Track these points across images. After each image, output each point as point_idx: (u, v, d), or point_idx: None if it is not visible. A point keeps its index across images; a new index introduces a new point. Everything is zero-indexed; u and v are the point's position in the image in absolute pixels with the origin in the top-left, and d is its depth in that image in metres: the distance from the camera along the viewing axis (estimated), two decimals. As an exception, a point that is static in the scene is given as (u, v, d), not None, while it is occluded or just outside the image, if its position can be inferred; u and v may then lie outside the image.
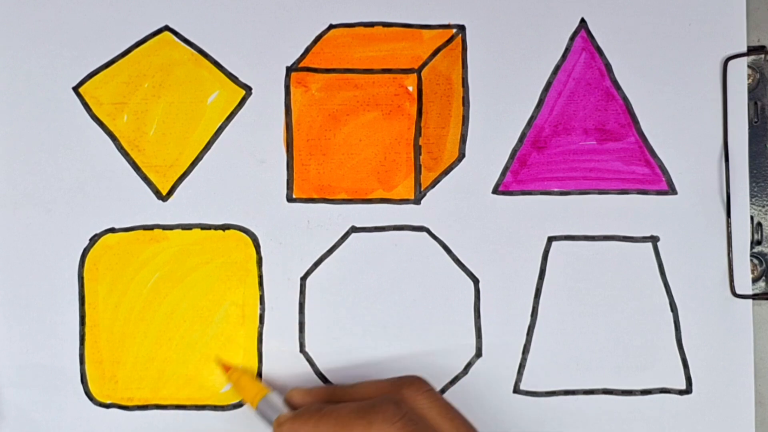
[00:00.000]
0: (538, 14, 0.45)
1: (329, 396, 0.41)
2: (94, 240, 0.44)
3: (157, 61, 0.45)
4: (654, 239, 0.45)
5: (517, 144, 0.45)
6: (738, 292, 0.44)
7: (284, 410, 0.41)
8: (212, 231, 0.45)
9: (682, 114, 0.45)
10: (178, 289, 0.44)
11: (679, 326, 0.45)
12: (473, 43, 0.45)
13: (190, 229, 0.45)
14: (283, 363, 0.44)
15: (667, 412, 0.44)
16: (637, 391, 0.44)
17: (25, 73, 0.45)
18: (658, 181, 0.45)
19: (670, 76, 0.45)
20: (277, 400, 0.42)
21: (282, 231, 0.45)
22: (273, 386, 0.44)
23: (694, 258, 0.45)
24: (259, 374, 0.44)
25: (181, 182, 0.45)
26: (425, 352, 0.44)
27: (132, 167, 0.45)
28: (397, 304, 0.44)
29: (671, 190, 0.45)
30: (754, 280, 0.45)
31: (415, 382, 0.40)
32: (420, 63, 0.45)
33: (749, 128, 0.45)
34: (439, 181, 0.45)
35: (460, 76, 0.45)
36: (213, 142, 0.45)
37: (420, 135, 0.45)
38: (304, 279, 0.45)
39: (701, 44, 0.45)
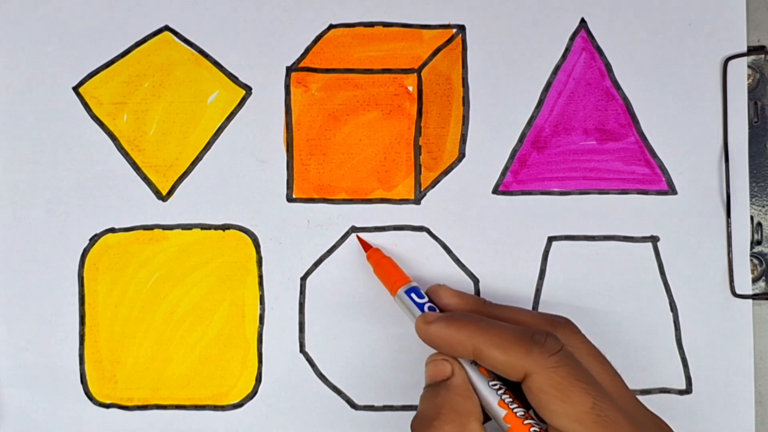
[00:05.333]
0: (538, 14, 0.45)
1: (478, 306, 0.40)
2: (94, 240, 0.44)
3: (157, 61, 0.45)
4: (654, 239, 0.45)
5: (517, 144, 0.45)
6: (738, 292, 0.44)
7: (421, 307, 0.39)
8: (212, 231, 0.45)
9: (682, 114, 0.45)
10: (178, 289, 0.44)
11: (679, 326, 0.45)
12: (473, 43, 0.45)
13: (190, 229, 0.45)
14: (283, 363, 0.44)
15: (667, 412, 0.44)
16: (637, 391, 0.44)
17: (25, 73, 0.45)
18: (658, 181, 0.45)
19: (670, 76, 0.45)
20: (419, 292, 0.40)
21: (282, 231, 0.45)
22: (274, 381, 0.44)
23: (694, 258, 0.45)
24: (259, 374, 0.44)
25: (181, 182, 0.45)
26: (425, 352, 0.44)
27: (132, 167, 0.45)
28: (397, 304, 0.44)
29: (671, 190, 0.45)
30: (754, 280, 0.45)
31: (567, 323, 0.39)
32: (420, 63, 0.45)
33: (749, 128, 0.45)
34: (439, 181, 0.45)
35: (460, 76, 0.45)
36: (213, 142, 0.45)
37: (420, 135, 0.45)
38: (304, 279, 0.45)
39: (701, 44, 0.45)
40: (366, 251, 0.43)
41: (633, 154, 0.45)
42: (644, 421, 0.36)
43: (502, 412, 0.36)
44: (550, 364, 0.35)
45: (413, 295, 0.40)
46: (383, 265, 0.42)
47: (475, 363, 0.37)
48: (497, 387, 0.36)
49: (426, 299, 0.40)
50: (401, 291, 0.40)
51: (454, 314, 0.38)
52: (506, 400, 0.36)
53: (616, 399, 0.35)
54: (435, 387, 0.37)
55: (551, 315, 0.39)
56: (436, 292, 0.40)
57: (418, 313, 0.39)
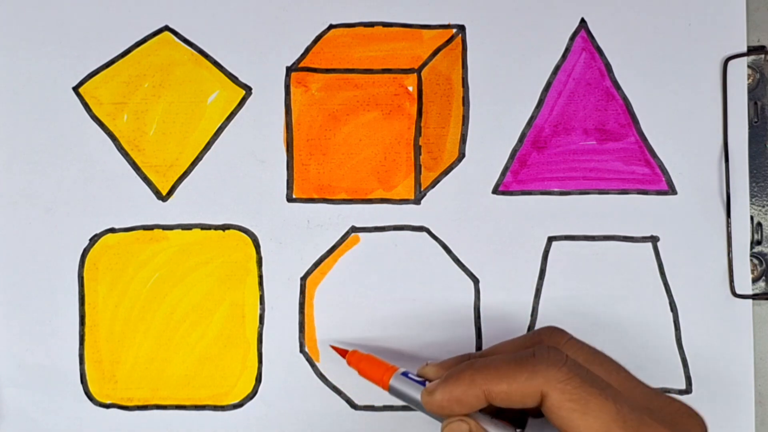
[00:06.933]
0: (538, 14, 0.45)
1: (465, 360, 0.38)
2: (94, 240, 0.44)
3: (157, 61, 0.45)
4: (654, 239, 0.45)
5: (517, 144, 0.45)
6: (738, 292, 0.44)
7: (421, 384, 0.38)
8: (212, 231, 0.45)
9: (682, 114, 0.45)
10: (178, 289, 0.45)
11: (679, 326, 0.45)
12: (473, 43, 0.45)
13: (190, 229, 0.45)
14: (283, 363, 0.44)
15: (667, 412, 0.44)
16: (637, 391, 0.44)
17: (25, 73, 0.45)
18: (658, 181, 0.45)
19: (670, 76, 0.45)
20: (411, 374, 0.38)
21: (282, 231, 0.45)
22: (274, 381, 0.44)
23: (694, 258, 0.45)
24: (259, 374, 0.44)
25: (181, 182, 0.45)
26: (425, 352, 0.44)
27: (132, 167, 0.45)
28: (397, 304, 0.44)
29: (671, 190, 0.45)
30: (754, 280, 0.45)
31: (555, 332, 0.37)
32: (420, 63, 0.45)
33: (749, 128, 0.45)
34: (439, 181, 0.45)
35: (460, 76, 0.45)
36: (213, 142, 0.45)
37: (420, 135, 0.45)
38: (304, 279, 0.45)
39: (701, 44, 0.45)
40: (344, 357, 0.42)
41: (633, 154, 0.45)
42: (661, 406, 0.34)
43: None
44: (561, 377, 0.32)
45: (410, 376, 0.38)
46: (366, 362, 0.40)
47: (497, 416, 0.35)
48: None
49: (420, 379, 0.38)
50: (395, 376, 0.38)
51: (450, 372, 0.36)
52: None
53: (630, 396, 0.34)
54: None
55: (536, 331, 0.37)
56: (425, 372, 0.38)
57: (420, 388, 0.37)
